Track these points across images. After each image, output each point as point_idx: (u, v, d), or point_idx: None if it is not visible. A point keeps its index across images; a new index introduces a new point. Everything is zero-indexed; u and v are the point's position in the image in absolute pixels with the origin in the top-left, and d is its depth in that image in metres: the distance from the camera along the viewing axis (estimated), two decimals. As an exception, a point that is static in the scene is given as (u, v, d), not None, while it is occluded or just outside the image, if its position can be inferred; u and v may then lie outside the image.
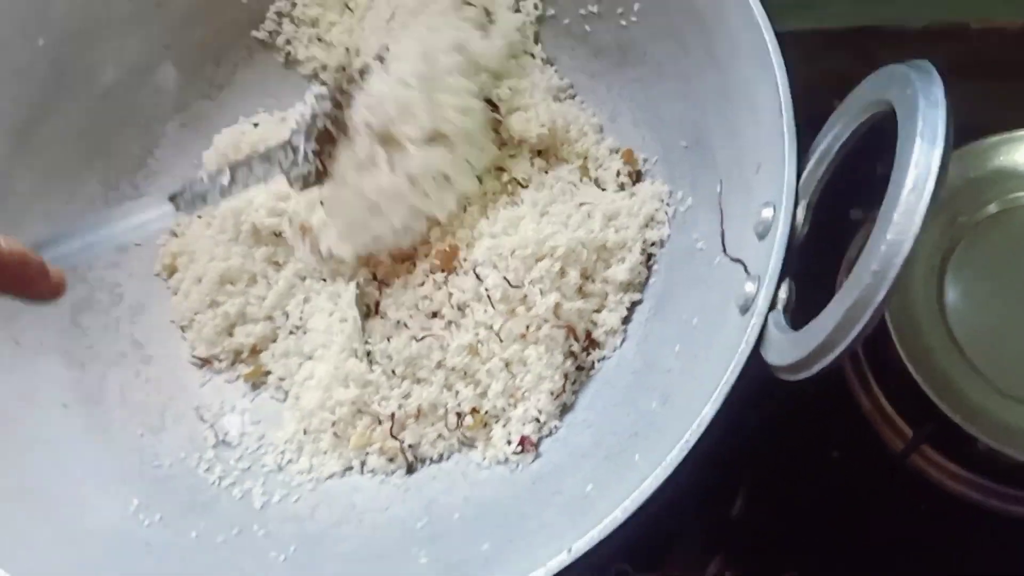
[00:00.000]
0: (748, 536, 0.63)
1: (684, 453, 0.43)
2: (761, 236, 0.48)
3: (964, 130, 0.64)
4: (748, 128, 0.53)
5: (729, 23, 0.53)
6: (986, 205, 0.60)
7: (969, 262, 0.59)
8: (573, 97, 0.69)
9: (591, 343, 0.61)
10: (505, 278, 0.58)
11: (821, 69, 0.79)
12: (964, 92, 0.77)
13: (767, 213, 0.47)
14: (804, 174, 0.47)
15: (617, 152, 0.66)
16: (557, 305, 0.59)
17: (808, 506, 0.63)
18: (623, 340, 0.61)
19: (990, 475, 0.59)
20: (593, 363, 0.61)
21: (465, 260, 0.61)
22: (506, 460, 0.59)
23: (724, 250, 0.53)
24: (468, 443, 0.61)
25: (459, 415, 0.60)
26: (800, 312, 0.46)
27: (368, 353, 0.62)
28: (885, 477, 0.62)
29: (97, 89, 0.68)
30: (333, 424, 0.61)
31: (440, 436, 0.61)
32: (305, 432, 0.63)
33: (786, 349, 0.41)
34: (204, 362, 0.68)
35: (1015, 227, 0.59)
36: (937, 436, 0.59)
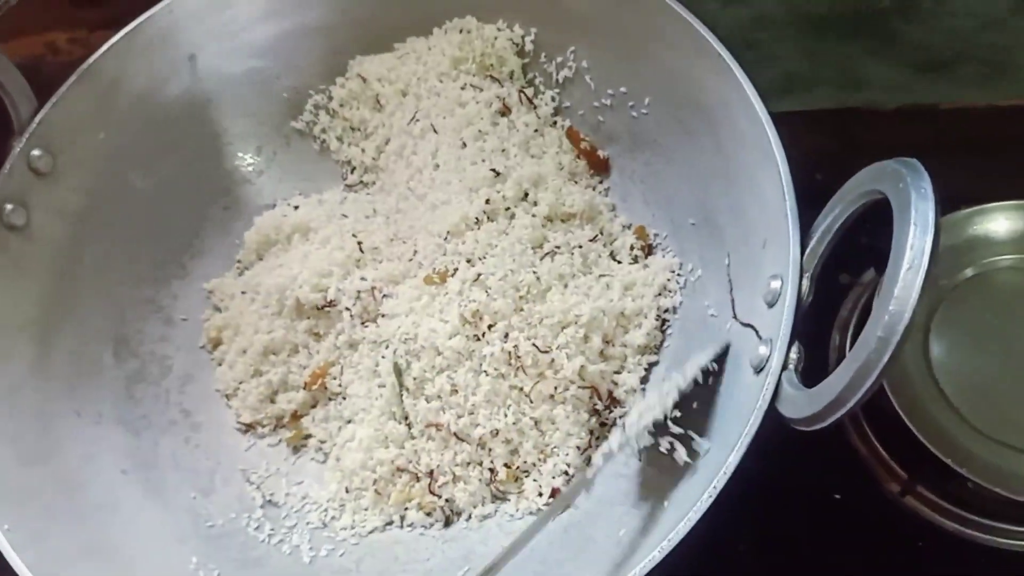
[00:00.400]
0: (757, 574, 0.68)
1: (713, 497, 0.48)
2: (771, 304, 0.54)
3: (945, 200, 0.72)
4: (753, 209, 0.59)
5: (734, 118, 0.60)
6: (963, 270, 0.67)
7: (950, 321, 0.65)
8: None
9: (613, 401, 0.66)
10: (535, 344, 0.64)
11: (804, 147, 0.86)
12: (934, 167, 0.85)
13: (775, 284, 0.53)
14: (807, 251, 0.53)
15: (630, 228, 0.72)
16: (582, 368, 0.64)
17: (814, 545, 0.68)
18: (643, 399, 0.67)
19: (981, 512, 0.65)
20: (615, 420, 0.66)
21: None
22: (538, 511, 0.64)
23: (735, 316, 0.60)
24: (501, 496, 0.66)
25: (492, 470, 0.65)
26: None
27: (406, 416, 0.67)
28: (884, 516, 0.68)
29: (152, 179, 0.74)
30: (374, 482, 0.66)
31: (475, 490, 0.65)
32: (347, 491, 0.67)
33: (801, 404, 0.47)
34: (248, 427, 0.73)
35: (990, 289, 0.66)
36: (931, 478, 0.65)
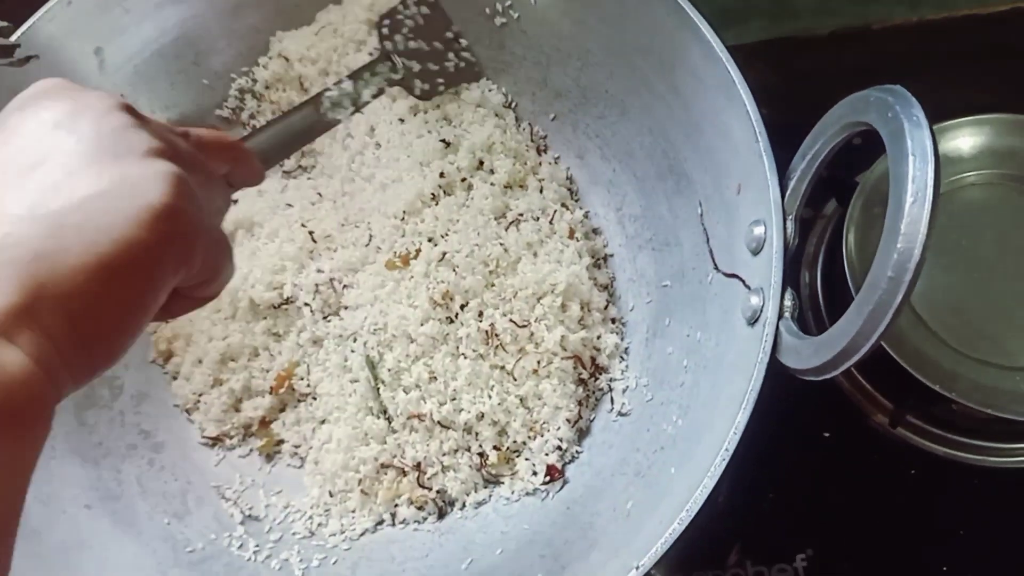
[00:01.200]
0: (755, 523, 0.68)
1: (727, 459, 0.46)
2: (755, 252, 0.52)
3: None
4: (722, 153, 0.57)
5: (689, 60, 0.57)
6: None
7: (919, 245, 0.65)
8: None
9: (597, 368, 0.64)
10: (512, 320, 0.61)
11: (746, 82, 0.85)
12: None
13: (759, 231, 0.51)
14: (787, 192, 0.51)
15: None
16: (563, 338, 0.62)
17: (810, 487, 0.68)
18: (626, 363, 0.64)
19: (969, 433, 0.65)
20: (602, 387, 0.64)
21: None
22: (534, 491, 0.62)
23: (716, 267, 0.58)
24: (494, 480, 0.63)
25: (482, 455, 0.63)
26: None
27: (384, 410, 0.63)
28: (874, 449, 0.68)
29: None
30: (359, 482, 0.63)
31: (466, 477, 0.63)
32: (331, 494, 0.64)
33: (807, 354, 0.45)
34: (215, 441, 0.68)
35: (955, 208, 0.66)
36: (918, 406, 0.65)
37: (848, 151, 0.61)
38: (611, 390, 0.64)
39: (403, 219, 0.64)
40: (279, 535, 0.64)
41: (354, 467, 0.63)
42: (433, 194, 0.64)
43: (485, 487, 0.63)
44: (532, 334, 0.62)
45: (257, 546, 0.63)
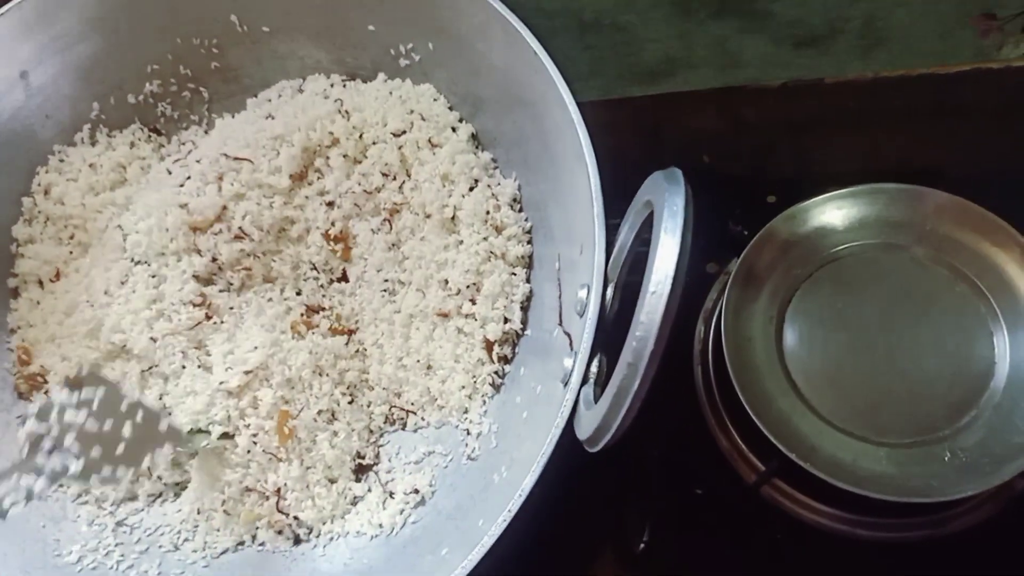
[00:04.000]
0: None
1: (508, 520, 0.47)
2: (580, 314, 0.53)
3: (826, 178, 0.70)
4: (577, 213, 0.57)
5: (554, 119, 0.59)
6: (816, 257, 0.66)
7: (804, 311, 0.64)
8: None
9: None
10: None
11: (691, 127, 0.85)
12: (817, 143, 0.83)
13: (582, 293, 0.52)
14: (610, 261, 0.52)
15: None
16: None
17: (673, 541, 0.68)
18: (486, 407, 0.65)
19: (835, 503, 0.64)
20: (464, 429, 0.65)
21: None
22: (381, 526, 0.63)
23: (560, 321, 0.58)
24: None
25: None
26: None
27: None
28: (742, 509, 0.67)
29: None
30: (223, 503, 0.65)
31: (324, 504, 0.64)
32: (199, 512, 0.66)
33: (584, 425, 0.46)
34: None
35: (841, 277, 0.65)
36: (784, 470, 0.64)
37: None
38: (469, 434, 0.65)
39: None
40: (146, 547, 0.67)
41: (219, 488, 0.65)
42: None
43: (342, 518, 0.65)
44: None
45: (122, 555, 0.66)
